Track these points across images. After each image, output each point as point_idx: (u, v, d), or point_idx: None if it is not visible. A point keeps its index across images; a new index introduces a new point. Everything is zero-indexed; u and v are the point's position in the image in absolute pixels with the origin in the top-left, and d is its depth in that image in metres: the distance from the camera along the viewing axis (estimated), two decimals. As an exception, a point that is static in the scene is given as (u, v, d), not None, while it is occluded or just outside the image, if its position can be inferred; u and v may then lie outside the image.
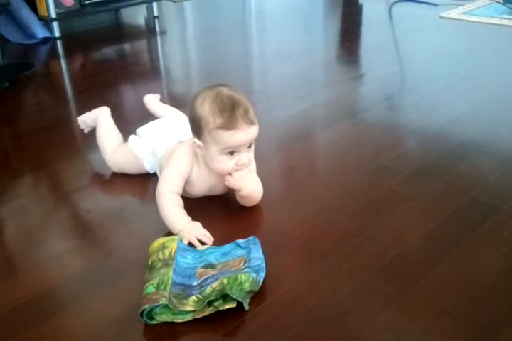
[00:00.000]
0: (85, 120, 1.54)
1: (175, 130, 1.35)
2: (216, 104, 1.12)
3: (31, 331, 0.93)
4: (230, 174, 1.18)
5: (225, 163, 1.16)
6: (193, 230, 1.13)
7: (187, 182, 1.22)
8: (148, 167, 1.37)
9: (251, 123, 1.13)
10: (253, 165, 1.22)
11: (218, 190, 1.27)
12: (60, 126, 1.75)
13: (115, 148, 1.42)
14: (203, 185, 1.24)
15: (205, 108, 1.13)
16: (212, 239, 1.13)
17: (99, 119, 1.49)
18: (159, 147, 1.32)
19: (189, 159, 1.21)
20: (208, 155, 1.17)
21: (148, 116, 1.56)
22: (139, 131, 1.41)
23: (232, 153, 1.15)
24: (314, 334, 0.90)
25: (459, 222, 1.18)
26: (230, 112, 1.11)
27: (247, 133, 1.13)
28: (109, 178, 1.41)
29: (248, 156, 1.17)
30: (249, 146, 1.17)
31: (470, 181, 1.33)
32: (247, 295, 0.95)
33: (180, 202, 1.18)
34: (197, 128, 1.16)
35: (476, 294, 0.97)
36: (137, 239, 1.16)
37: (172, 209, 1.16)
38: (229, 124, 1.11)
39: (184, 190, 1.23)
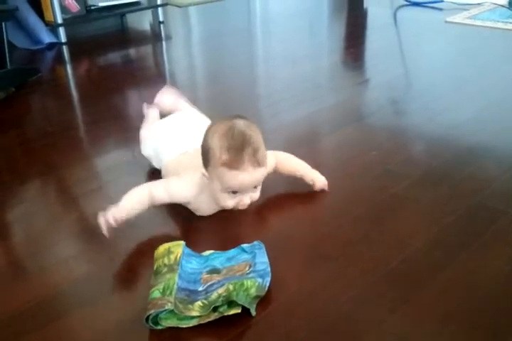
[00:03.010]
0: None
1: (184, 136, 1.33)
2: (226, 138, 1.07)
3: (36, 334, 0.93)
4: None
5: (226, 200, 1.13)
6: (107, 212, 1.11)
7: (194, 209, 1.22)
8: (154, 162, 1.38)
9: (258, 165, 1.08)
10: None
11: None
12: (66, 131, 1.75)
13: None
14: (212, 209, 1.22)
15: (215, 140, 1.08)
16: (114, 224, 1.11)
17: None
18: (164, 150, 1.32)
19: (190, 190, 1.17)
20: (212, 187, 1.14)
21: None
22: (155, 124, 1.44)
23: (235, 192, 1.12)
24: (319, 339, 0.90)
25: (464, 226, 1.17)
26: (238, 150, 1.06)
27: (251, 175, 1.08)
28: (115, 183, 1.42)
29: (251, 196, 1.14)
30: (255, 187, 1.13)
31: (476, 185, 1.32)
32: (253, 301, 0.95)
33: (142, 206, 1.16)
34: (204, 157, 1.13)
35: (482, 299, 0.97)
36: (143, 244, 1.16)
37: (130, 199, 1.15)
38: (234, 164, 1.06)
39: (194, 212, 1.23)
